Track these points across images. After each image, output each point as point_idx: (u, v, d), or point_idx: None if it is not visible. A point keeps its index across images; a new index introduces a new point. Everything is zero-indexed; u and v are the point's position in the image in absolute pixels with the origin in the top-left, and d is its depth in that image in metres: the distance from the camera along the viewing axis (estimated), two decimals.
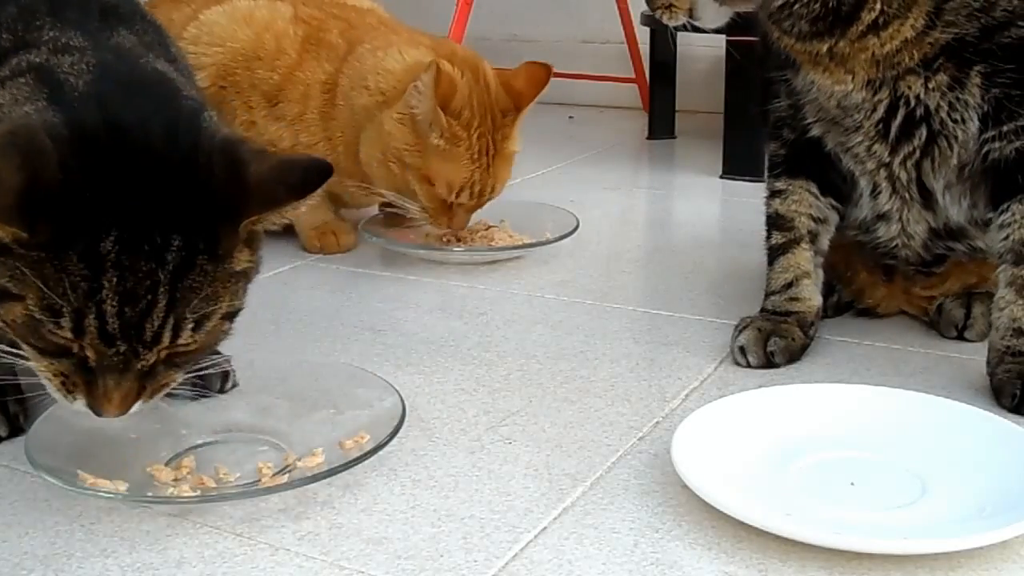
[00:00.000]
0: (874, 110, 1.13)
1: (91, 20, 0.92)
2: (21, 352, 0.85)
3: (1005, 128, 1.08)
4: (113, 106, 0.83)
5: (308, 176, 0.86)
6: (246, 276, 0.88)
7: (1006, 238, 1.10)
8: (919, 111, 1.11)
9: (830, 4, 1.07)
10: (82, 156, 0.79)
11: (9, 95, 0.85)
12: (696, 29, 1.29)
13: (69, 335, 0.80)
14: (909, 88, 1.10)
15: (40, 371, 0.85)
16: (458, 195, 1.50)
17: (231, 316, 0.88)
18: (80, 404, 0.84)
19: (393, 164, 1.49)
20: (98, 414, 0.84)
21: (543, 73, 1.56)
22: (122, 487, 0.89)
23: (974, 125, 1.09)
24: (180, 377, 0.89)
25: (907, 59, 1.08)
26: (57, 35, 0.90)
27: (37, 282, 0.79)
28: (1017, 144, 1.08)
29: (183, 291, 0.82)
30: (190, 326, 0.83)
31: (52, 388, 0.85)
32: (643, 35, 2.61)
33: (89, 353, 0.82)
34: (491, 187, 1.54)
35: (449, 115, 1.45)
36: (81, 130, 0.80)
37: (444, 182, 1.48)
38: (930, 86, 1.09)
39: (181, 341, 0.84)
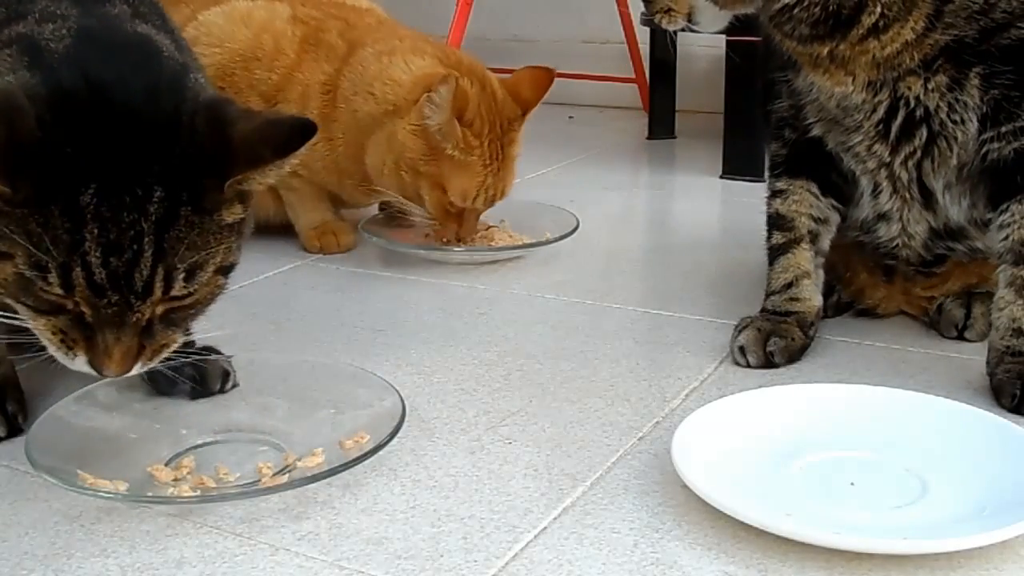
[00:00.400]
0: (874, 111, 1.13)
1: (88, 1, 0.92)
2: (17, 316, 0.85)
3: (1004, 129, 1.08)
4: (91, 66, 0.83)
5: (292, 135, 0.86)
6: (238, 231, 0.88)
7: (1006, 238, 1.10)
8: (919, 112, 1.11)
9: (830, 8, 1.07)
10: (60, 113, 0.80)
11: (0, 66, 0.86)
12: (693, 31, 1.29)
13: (59, 291, 0.81)
14: (909, 89, 1.10)
15: (39, 331, 0.85)
16: (473, 201, 1.52)
17: (225, 271, 0.89)
18: (81, 362, 0.85)
19: (405, 173, 1.49)
20: (100, 372, 0.85)
21: (546, 77, 1.56)
22: (122, 487, 0.89)
23: (973, 126, 1.09)
24: (179, 338, 0.90)
25: (907, 60, 1.08)
26: (47, 4, 0.90)
27: (23, 239, 0.79)
28: (1016, 145, 1.08)
29: (170, 241, 0.82)
30: (181, 276, 0.84)
31: (52, 347, 0.85)
32: (643, 35, 2.61)
33: (84, 308, 0.82)
34: (501, 191, 1.55)
35: (463, 126, 1.47)
36: (58, 89, 0.81)
37: (458, 190, 1.50)
38: (929, 87, 1.09)
39: (175, 292, 0.84)
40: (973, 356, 1.19)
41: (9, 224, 0.80)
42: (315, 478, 0.91)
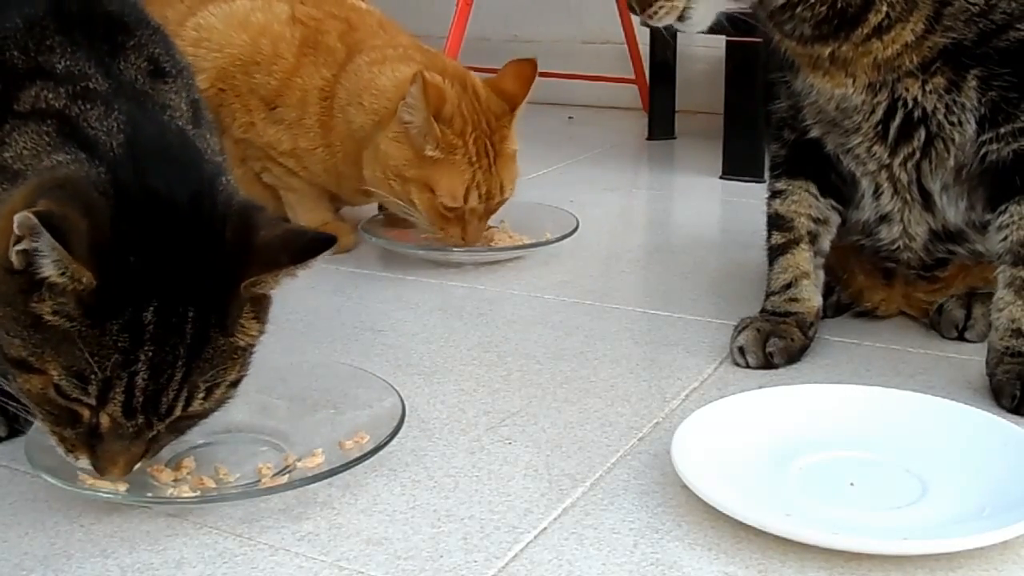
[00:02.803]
0: (872, 112, 1.13)
1: (99, 40, 0.90)
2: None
3: (1002, 130, 1.08)
4: (147, 170, 0.82)
5: (311, 245, 0.86)
6: (252, 348, 0.88)
7: (1004, 239, 1.10)
8: (917, 113, 1.11)
9: (838, 6, 1.07)
10: (126, 218, 0.78)
11: (30, 140, 0.84)
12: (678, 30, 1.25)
13: (92, 402, 0.80)
14: (907, 90, 1.10)
15: (43, 426, 0.85)
16: (466, 199, 1.50)
17: (236, 384, 0.88)
18: (84, 462, 0.85)
19: (394, 182, 1.49)
20: (101, 475, 0.85)
21: (529, 69, 1.56)
22: (122, 487, 0.89)
23: (971, 127, 1.09)
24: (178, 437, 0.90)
25: (906, 62, 1.08)
26: (71, 66, 0.88)
27: (70, 349, 0.78)
28: (1015, 146, 1.08)
29: (198, 363, 0.83)
30: (201, 395, 0.84)
31: (55, 444, 0.85)
32: (643, 36, 2.61)
33: (103, 421, 0.82)
34: (499, 187, 1.54)
35: (441, 123, 1.45)
36: (123, 192, 0.80)
37: (446, 190, 1.48)
38: (927, 88, 1.09)
39: (191, 410, 0.85)
40: (973, 357, 1.19)
41: (53, 340, 0.78)
42: (315, 478, 0.91)
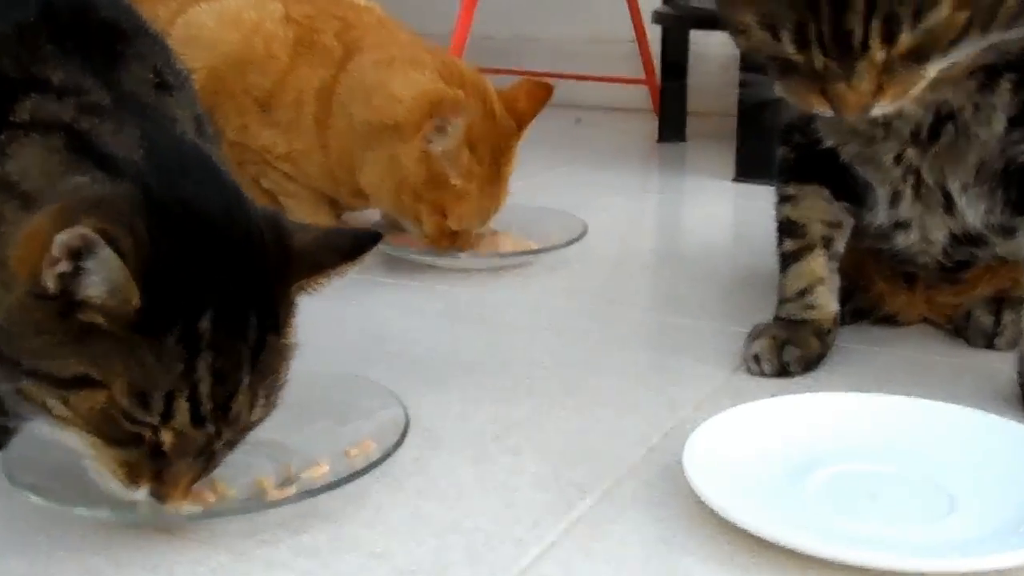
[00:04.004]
0: (914, 120, 1.10)
1: (96, 49, 0.89)
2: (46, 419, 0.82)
3: None
4: (175, 184, 0.82)
5: (358, 243, 0.88)
6: (294, 349, 0.89)
7: None
8: (944, 110, 1.09)
9: None
10: (166, 233, 0.78)
11: (37, 156, 0.83)
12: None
13: (156, 420, 0.80)
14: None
15: (98, 460, 0.83)
16: (468, 224, 1.53)
17: (282, 388, 0.88)
18: (142, 492, 0.83)
19: (406, 197, 1.50)
20: (161, 502, 0.84)
21: (544, 92, 1.57)
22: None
23: (1001, 125, 1.08)
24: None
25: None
26: (67, 76, 0.86)
27: (129, 364, 0.78)
28: None
29: (259, 366, 0.83)
30: (262, 400, 0.85)
31: (110, 477, 0.83)
32: (654, 33, 2.60)
33: (167, 438, 0.81)
34: (495, 209, 1.56)
35: (468, 150, 1.47)
36: (157, 207, 0.79)
37: (457, 217, 1.50)
38: (959, 89, 1.07)
39: (253, 417, 0.85)
40: (1001, 365, 1.18)
41: (111, 349, 0.78)
42: (324, 489, 0.90)
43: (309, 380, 1.09)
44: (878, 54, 0.90)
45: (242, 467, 0.97)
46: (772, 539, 0.83)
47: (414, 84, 1.49)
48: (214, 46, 1.56)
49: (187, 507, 0.89)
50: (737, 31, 0.96)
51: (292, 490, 0.92)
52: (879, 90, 0.93)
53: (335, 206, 1.70)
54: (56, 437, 0.83)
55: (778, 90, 1.01)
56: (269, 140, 1.58)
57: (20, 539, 0.89)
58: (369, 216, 1.77)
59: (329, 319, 1.39)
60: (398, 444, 0.95)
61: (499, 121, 1.52)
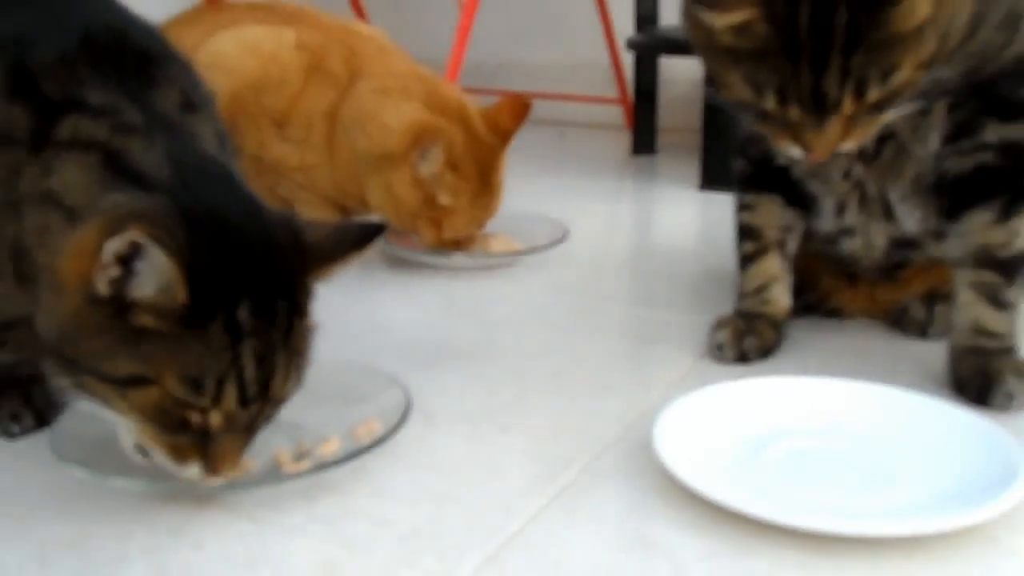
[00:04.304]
0: None
1: (130, 73, 0.88)
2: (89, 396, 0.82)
3: (964, 146, 1.06)
4: (202, 195, 0.82)
5: (364, 233, 0.88)
6: (315, 329, 0.88)
7: (965, 245, 1.08)
8: (886, 131, 1.08)
9: None
10: (200, 236, 0.78)
11: (77, 172, 0.82)
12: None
13: (208, 404, 0.79)
14: None
15: (152, 444, 0.82)
16: (465, 231, 1.52)
17: (308, 365, 0.88)
18: (192, 470, 0.83)
19: (404, 215, 1.50)
20: (211, 476, 0.83)
21: (523, 108, 1.55)
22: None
23: (935, 143, 1.07)
24: None
25: None
26: (105, 99, 0.85)
27: (180, 356, 0.77)
28: (974, 160, 1.06)
29: (291, 347, 0.83)
30: (293, 378, 0.85)
31: (162, 457, 0.83)
32: (628, 59, 2.60)
33: (215, 419, 0.80)
34: (489, 214, 1.55)
35: (451, 170, 1.46)
36: (188, 215, 0.79)
37: (451, 228, 1.50)
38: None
39: (286, 394, 0.85)
40: (932, 352, 1.18)
41: (161, 347, 0.77)
42: (335, 463, 0.90)
43: (321, 367, 1.08)
44: (848, 109, 0.91)
45: (262, 444, 0.96)
46: (731, 507, 0.83)
47: (402, 114, 1.48)
48: (235, 71, 1.55)
49: (215, 479, 0.88)
50: (723, 85, 0.96)
51: (306, 464, 0.92)
52: (845, 135, 0.94)
53: (343, 211, 1.69)
54: (101, 414, 0.83)
55: (749, 124, 1.00)
56: (283, 154, 1.57)
57: (65, 507, 0.89)
58: (373, 217, 1.76)
59: (336, 312, 1.38)
60: (400, 423, 0.95)
61: (482, 139, 1.51)
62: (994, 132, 1.05)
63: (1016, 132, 1.05)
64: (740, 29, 0.90)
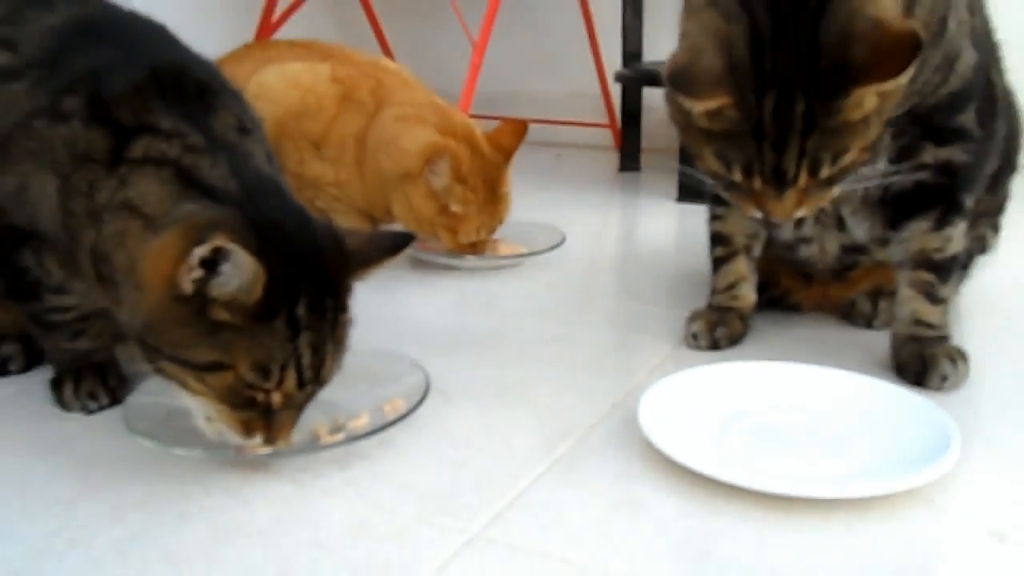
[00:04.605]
0: None
1: (192, 101, 0.89)
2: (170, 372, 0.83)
3: (906, 166, 1.07)
4: (262, 206, 0.83)
5: (396, 242, 0.90)
6: (353, 322, 0.90)
7: (906, 250, 1.10)
8: None
9: None
10: (264, 242, 0.78)
11: (152, 185, 0.83)
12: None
13: (272, 387, 0.81)
14: None
15: (223, 419, 0.84)
16: (477, 236, 1.52)
17: (347, 352, 0.89)
18: (256, 441, 0.84)
19: (424, 223, 1.50)
20: (270, 444, 0.84)
21: (521, 128, 1.56)
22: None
23: (882, 166, 1.08)
24: None
25: None
26: (172, 125, 0.86)
27: (252, 346, 0.78)
28: (914, 178, 1.07)
29: (336, 338, 0.84)
30: (337, 364, 0.86)
31: (232, 431, 0.84)
32: (616, 89, 2.61)
33: (276, 399, 0.82)
34: (499, 220, 1.55)
35: (459, 184, 1.47)
36: (254, 223, 0.80)
37: (464, 232, 1.51)
38: None
39: (331, 377, 0.86)
40: (878, 342, 1.18)
41: (236, 338, 0.78)
42: (365, 435, 0.91)
43: (354, 352, 1.09)
44: (803, 183, 0.92)
45: (302, 419, 0.97)
46: (705, 473, 0.84)
47: (417, 139, 1.49)
48: (279, 100, 1.56)
49: (270, 448, 0.89)
50: (698, 158, 0.98)
51: (340, 436, 0.92)
52: (799, 204, 0.95)
53: (372, 220, 1.69)
54: (167, 393, 0.84)
55: (719, 191, 1.02)
56: (320, 172, 1.57)
57: (134, 472, 0.90)
58: (398, 227, 1.77)
59: (366, 305, 1.39)
60: (421, 401, 0.96)
61: (487, 156, 1.52)
62: (931, 154, 1.06)
63: (949, 154, 1.06)
64: (714, 113, 0.91)
